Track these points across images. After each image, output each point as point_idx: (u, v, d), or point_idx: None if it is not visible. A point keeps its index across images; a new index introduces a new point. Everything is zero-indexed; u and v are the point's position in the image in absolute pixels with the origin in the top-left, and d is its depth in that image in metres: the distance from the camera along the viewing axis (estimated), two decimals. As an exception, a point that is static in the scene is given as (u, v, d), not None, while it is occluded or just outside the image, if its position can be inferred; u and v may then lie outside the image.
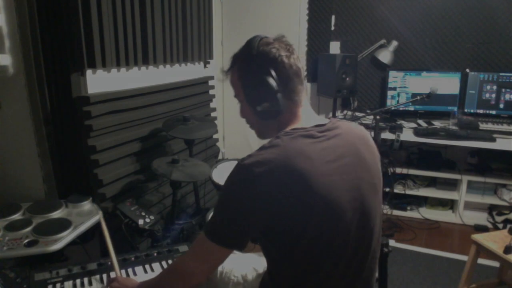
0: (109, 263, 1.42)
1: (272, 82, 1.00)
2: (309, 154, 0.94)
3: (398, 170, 3.09)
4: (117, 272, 1.36)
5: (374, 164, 1.07)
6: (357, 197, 0.99)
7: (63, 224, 1.63)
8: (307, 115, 1.08)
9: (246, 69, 1.05)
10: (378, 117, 3.06)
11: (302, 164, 0.92)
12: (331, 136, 1.01)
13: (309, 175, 0.92)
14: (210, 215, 1.87)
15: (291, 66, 1.03)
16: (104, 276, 1.41)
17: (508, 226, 2.23)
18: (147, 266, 1.48)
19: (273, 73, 1.01)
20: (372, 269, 1.12)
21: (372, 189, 1.04)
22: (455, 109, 3.16)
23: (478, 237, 1.96)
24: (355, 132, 1.08)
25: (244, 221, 0.95)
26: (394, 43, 3.20)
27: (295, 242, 0.95)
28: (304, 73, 1.08)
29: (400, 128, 2.95)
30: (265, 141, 1.03)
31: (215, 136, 3.10)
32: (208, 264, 1.03)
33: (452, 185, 3.15)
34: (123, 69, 2.18)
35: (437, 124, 3.14)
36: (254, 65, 1.02)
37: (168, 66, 2.57)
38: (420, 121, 3.19)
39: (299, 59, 1.06)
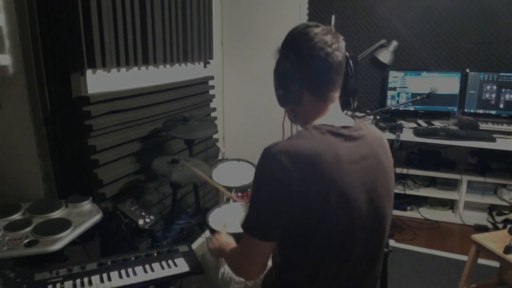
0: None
1: (296, 72, 1.01)
2: (338, 152, 0.95)
3: (398, 170, 3.09)
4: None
5: (390, 169, 1.09)
6: (373, 199, 1.00)
7: (63, 224, 1.63)
8: (335, 113, 1.07)
9: (282, 53, 1.06)
10: (378, 117, 3.07)
11: (330, 160, 0.92)
12: (357, 137, 1.01)
13: (333, 172, 0.92)
14: (210, 215, 1.87)
15: (328, 60, 1.00)
16: (104, 276, 1.40)
17: (508, 226, 2.23)
18: (147, 266, 1.48)
19: (306, 63, 1.01)
20: (378, 269, 1.14)
21: (387, 193, 1.06)
22: (455, 109, 3.16)
23: (478, 237, 1.96)
24: (374, 135, 1.08)
25: (276, 211, 0.95)
26: (394, 43, 3.20)
27: (310, 238, 0.96)
28: (343, 68, 1.06)
29: (400, 128, 2.94)
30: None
31: (215, 136, 3.09)
32: (257, 263, 1.05)
33: (452, 185, 3.15)
34: (123, 69, 2.18)
35: (437, 124, 3.14)
36: (291, 51, 1.03)
37: (168, 66, 2.57)
38: (420, 121, 3.19)
39: (342, 53, 1.03)
